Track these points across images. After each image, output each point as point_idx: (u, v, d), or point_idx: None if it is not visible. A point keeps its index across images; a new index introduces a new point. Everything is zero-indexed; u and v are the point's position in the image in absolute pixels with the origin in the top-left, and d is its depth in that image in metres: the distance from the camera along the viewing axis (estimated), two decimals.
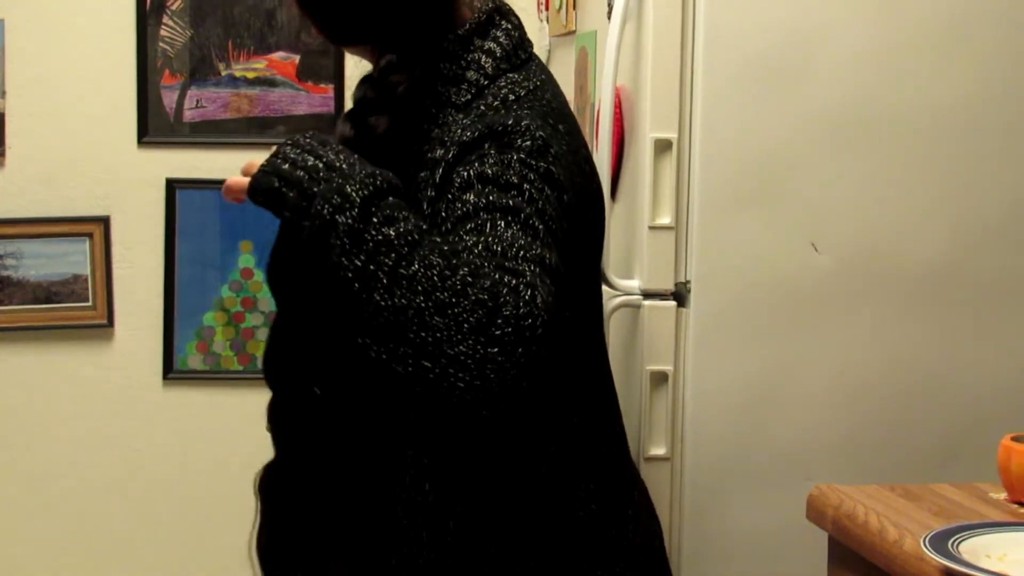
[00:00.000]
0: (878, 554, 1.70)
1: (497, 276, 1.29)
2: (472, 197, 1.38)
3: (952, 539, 1.59)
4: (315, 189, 1.35)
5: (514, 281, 1.29)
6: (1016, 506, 1.81)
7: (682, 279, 2.23)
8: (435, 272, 1.28)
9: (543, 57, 2.97)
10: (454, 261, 1.29)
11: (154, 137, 3.22)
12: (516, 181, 1.39)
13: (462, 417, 1.29)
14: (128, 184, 3.22)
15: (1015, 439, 1.82)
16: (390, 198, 1.34)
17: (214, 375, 3.29)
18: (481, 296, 1.27)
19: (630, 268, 2.28)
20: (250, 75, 3.24)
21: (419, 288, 1.27)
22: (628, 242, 2.30)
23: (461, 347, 1.25)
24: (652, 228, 2.21)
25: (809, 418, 2.24)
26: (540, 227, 1.36)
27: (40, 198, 3.19)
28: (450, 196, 1.40)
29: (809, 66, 2.20)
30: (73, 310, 3.23)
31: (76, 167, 3.20)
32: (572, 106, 2.69)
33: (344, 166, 1.36)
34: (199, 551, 3.30)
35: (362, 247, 1.30)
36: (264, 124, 3.25)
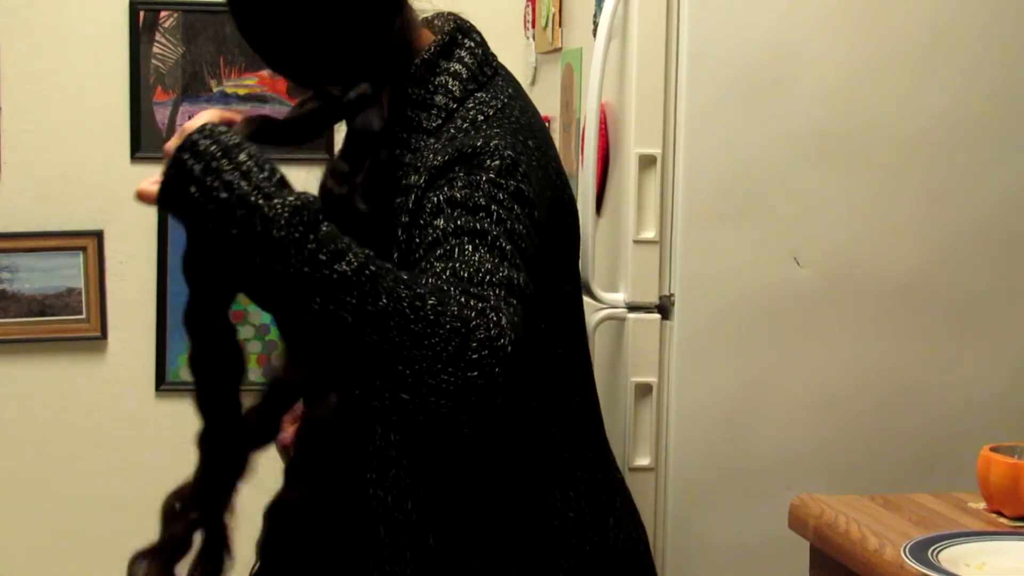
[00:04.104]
0: (859, 563, 1.71)
1: (463, 300, 1.28)
2: (442, 223, 1.38)
3: (932, 548, 1.61)
4: (232, 232, 1.30)
5: (480, 305, 1.28)
6: (995, 515, 1.82)
7: (666, 292, 2.24)
8: (404, 305, 1.25)
9: (529, 74, 2.98)
10: (419, 290, 1.27)
11: (147, 153, 3.20)
12: (484, 203, 1.39)
13: (443, 437, 1.30)
14: (121, 199, 3.21)
15: (994, 449, 1.83)
16: (322, 227, 1.29)
17: None
18: (455, 324, 1.25)
19: (615, 281, 2.29)
20: (241, 91, 3.24)
21: (391, 324, 1.24)
22: (613, 256, 2.31)
23: (442, 376, 1.24)
24: (637, 242, 2.23)
25: (791, 429, 2.25)
26: (508, 247, 1.36)
27: (35, 212, 3.19)
28: (422, 222, 1.40)
29: (790, 83, 2.22)
30: (67, 323, 3.23)
31: (70, 182, 3.21)
32: (557, 122, 2.72)
33: (259, 200, 1.31)
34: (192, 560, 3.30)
35: (316, 290, 1.26)
36: (254, 140, 3.25)
